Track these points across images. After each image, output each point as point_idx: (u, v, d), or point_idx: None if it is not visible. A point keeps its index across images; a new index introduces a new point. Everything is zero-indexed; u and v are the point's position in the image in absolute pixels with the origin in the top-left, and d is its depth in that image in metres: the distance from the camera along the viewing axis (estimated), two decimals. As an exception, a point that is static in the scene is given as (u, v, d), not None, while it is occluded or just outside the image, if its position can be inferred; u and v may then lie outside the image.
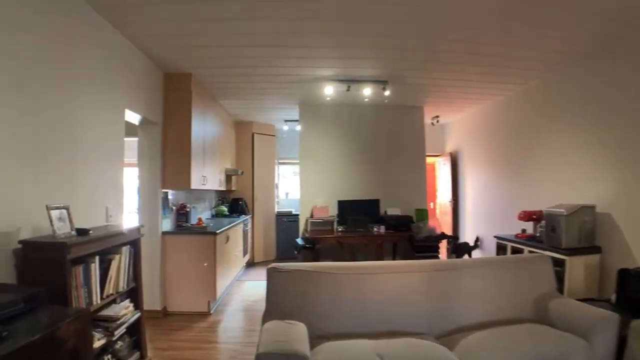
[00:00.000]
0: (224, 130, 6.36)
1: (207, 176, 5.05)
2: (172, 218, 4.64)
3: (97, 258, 2.35)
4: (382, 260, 5.56)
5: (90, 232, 2.36)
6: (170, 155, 4.35)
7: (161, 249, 4.25)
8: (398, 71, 4.74)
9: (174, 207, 4.66)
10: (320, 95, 5.59)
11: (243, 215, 6.69)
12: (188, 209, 4.87)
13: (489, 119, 6.39)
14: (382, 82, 5.10)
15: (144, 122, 4.05)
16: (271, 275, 2.66)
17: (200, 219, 4.66)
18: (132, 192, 4.41)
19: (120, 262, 2.64)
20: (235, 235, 5.60)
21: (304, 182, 6.21)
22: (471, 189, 7.18)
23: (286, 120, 7.39)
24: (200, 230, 4.46)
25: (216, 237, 4.35)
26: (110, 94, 3.16)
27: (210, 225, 4.72)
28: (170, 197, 4.56)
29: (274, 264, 2.72)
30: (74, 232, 2.25)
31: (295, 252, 5.96)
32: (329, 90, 5.07)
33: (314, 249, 5.63)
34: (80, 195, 2.69)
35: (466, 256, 6.58)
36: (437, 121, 7.50)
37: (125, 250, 2.71)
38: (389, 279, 2.77)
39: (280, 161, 8.39)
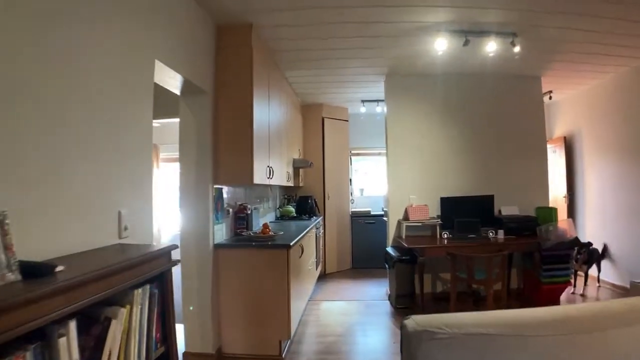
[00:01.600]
0: (291, 112, 5.11)
1: (274, 168, 3.80)
2: (229, 224, 3.44)
3: (72, 324, 1.11)
4: (505, 279, 4.02)
5: (59, 268, 1.13)
6: (226, 138, 3.13)
7: (213, 267, 3.05)
8: (533, 16, 3.26)
9: (230, 210, 3.45)
10: (418, 58, 4.16)
11: (314, 217, 5.42)
12: (249, 212, 3.66)
13: (624, 93, 4.73)
14: (510, 35, 3.60)
15: (187, 88, 2.85)
16: (420, 345, 1.35)
17: (266, 226, 3.40)
18: (169, 192, 3.26)
19: (133, 320, 1.39)
20: (309, 244, 4.32)
21: (393, 174, 4.79)
22: (595, 182, 5.51)
23: (364, 101, 6.02)
24: (268, 242, 3.20)
25: (289, 251, 3.07)
26: (133, 34, 1.96)
27: (279, 234, 3.44)
28: (225, 195, 3.36)
29: (420, 321, 1.38)
30: (10, 274, 1.02)
31: (387, 267, 4.58)
32: (441, 45, 3.60)
33: (414, 262, 4.22)
34: (68, 194, 1.50)
35: (594, 268, 4.95)
36: (550, 98, 5.80)
37: (141, 295, 1.47)
38: (624, 335, 1.42)
39: (354, 152, 7.02)
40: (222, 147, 3.12)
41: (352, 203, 6.76)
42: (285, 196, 5.91)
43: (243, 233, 3.44)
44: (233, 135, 3.12)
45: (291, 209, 5.47)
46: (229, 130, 3.12)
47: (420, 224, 4.49)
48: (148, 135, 2.10)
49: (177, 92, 2.95)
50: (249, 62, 3.15)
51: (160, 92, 2.38)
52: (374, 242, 6.33)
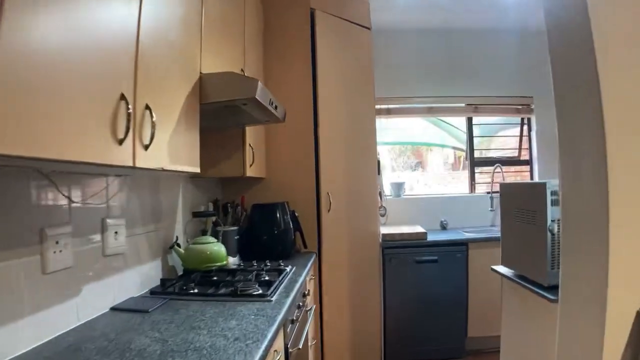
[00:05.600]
0: None
1: None
2: None
3: None
4: None
5: None
6: None
7: None
8: None
9: None
10: None
11: (288, 268, 1.76)
12: None
13: None
14: None
15: None
16: None
17: None
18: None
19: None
20: None
21: (620, 143, 1.13)
22: None
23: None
24: None
25: None
26: None
27: None
28: None
29: None
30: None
31: None
32: None
33: None
34: None
35: None
36: None
37: None
38: None
39: (379, 105, 3.35)
40: None
41: (384, 217, 3.10)
42: (208, 208, 2.20)
43: None
44: None
45: (218, 248, 1.79)
46: None
47: None
48: None
49: None
50: None
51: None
52: (435, 303, 2.73)
